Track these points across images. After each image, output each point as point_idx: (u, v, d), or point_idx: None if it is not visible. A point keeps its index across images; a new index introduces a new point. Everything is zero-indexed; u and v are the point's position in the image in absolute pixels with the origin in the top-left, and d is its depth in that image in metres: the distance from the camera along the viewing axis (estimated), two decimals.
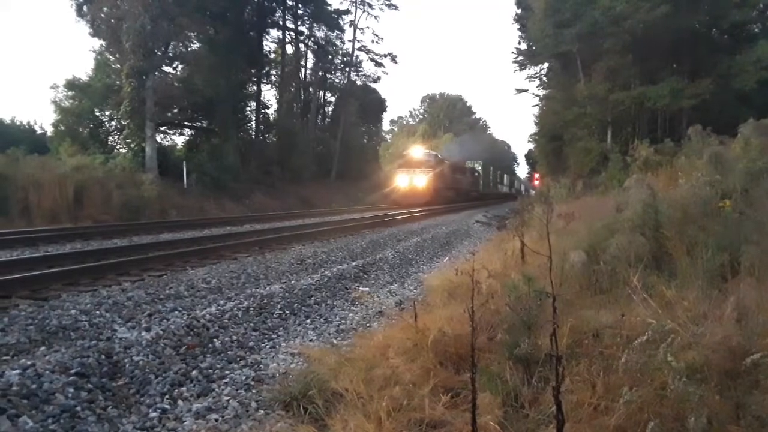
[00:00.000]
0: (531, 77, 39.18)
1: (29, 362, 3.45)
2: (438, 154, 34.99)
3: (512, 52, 38.66)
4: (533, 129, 47.32)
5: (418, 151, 32.48)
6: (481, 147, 65.31)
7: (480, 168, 49.46)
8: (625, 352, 2.85)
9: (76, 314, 4.60)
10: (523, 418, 2.73)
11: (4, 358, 3.61)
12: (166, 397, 3.49)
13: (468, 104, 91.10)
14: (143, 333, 4.28)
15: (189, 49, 27.16)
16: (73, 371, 3.42)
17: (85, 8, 22.68)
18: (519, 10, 38.01)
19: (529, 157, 68.74)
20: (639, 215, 5.37)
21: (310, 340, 4.92)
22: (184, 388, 3.63)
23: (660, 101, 23.90)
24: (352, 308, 6.18)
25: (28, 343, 3.90)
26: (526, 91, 44.01)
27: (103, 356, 3.70)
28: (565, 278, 4.59)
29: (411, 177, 29.99)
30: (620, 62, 25.92)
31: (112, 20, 22.44)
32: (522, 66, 37.16)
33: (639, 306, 3.54)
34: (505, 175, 71.53)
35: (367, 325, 5.41)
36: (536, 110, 41.23)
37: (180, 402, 3.44)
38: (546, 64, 36.11)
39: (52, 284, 5.69)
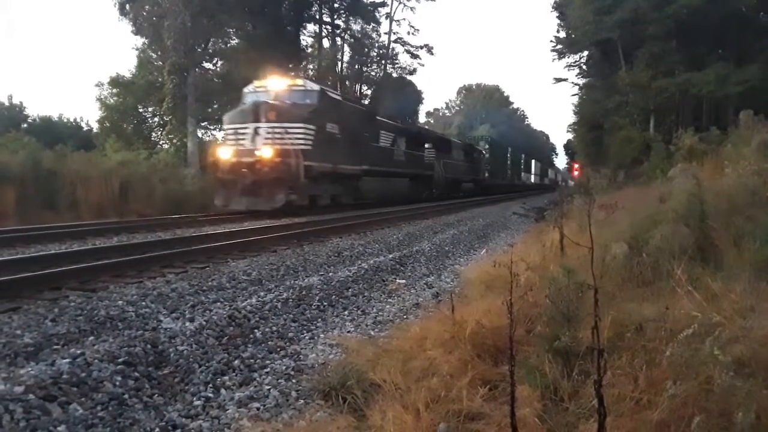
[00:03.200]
0: (570, 66, 38.23)
1: (79, 351, 3.57)
2: (338, 94, 17.66)
3: (551, 41, 37.85)
4: (572, 119, 46.20)
5: (275, 81, 15.21)
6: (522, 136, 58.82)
7: (486, 146, 38.51)
8: (669, 346, 2.79)
9: (123, 305, 4.74)
10: (563, 411, 2.70)
11: (55, 347, 3.75)
12: (210, 385, 3.57)
13: (505, 94, 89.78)
14: (187, 323, 4.39)
15: (228, 45, 27.63)
16: (120, 360, 3.53)
17: (127, 7, 23.29)
18: None
19: (568, 147, 66.87)
20: (683, 206, 5.23)
21: (348, 332, 4.96)
22: (226, 377, 3.72)
23: (705, 88, 23.10)
24: (389, 300, 6.20)
25: (77, 333, 4.04)
26: (565, 80, 42.02)
27: (149, 346, 3.82)
28: (606, 270, 4.51)
29: (245, 141, 13.65)
30: (663, 48, 25.15)
31: (154, 18, 22.98)
32: (561, 55, 36.36)
33: (683, 299, 3.45)
34: (533, 161, 59.38)
35: (404, 317, 5.42)
36: (575, 99, 40.36)
37: (223, 390, 3.53)
38: (586, 52, 35.22)
39: (100, 276, 5.87)
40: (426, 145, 25.35)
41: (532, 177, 56.71)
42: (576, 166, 43.47)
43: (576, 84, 38.74)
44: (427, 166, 24.83)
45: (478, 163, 35.24)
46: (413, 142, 23.13)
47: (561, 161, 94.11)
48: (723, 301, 3.31)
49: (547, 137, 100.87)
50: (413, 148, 23.03)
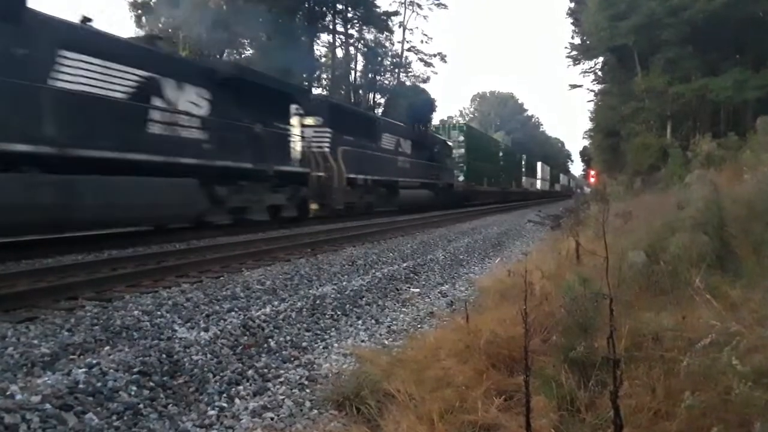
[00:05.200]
0: (585, 72, 38.22)
1: (95, 361, 3.59)
2: None
3: (565, 47, 37.80)
4: (588, 126, 45.92)
5: None
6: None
7: (461, 139, 29.01)
8: (687, 356, 2.75)
9: (139, 315, 4.77)
10: (580, 422, 2.66)
11: (71, 357, 3.78)
12: (224, 395, 3.58)
13: (519, 101, 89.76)
14: (202, 333, 4.40)
15: (243, 55, 27.93)
16: (135, 370, 3.55)
17: (143, 19, 23.64)
18: (572, 4, 37.34)
19: (584, 154, 66.31)
20: (701, 213, 5.16)
21: (362, 341, 4.94)
22: (240, 387, 3.72)
23: (722, 93, 22.84)
24: (403, 309, 6.18)
25: (93, 343, 4.06)
26: (580, 86, 41.85)
27: (164, 355, 3.83)
28: (623, 279, 4.45)
29: None
30: (679, 54, 24.95)
31: (170, 30, 23.28)
32: (576, 61, 36.39)
33: (702, 307, 3.40)
34: (539, 164, 51.23)
35: (418, 326, 5.40)
36: (591, 106, 40.24)
37: (237, 400, 3.53)
38: (601, 58, 35.14)
39: (115, 286, 5.92)
40: (308, 120, 15.06)
41: (538, 183, 46.18)
42: (592, 172, 43.09)
43: (591, 90, 38.67)
44: (296, 161, 13.91)
45: (440, 161, 24.73)
46: (252, 106, 11.71)
47: (577, 168, 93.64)
48: (742, 310, 3.26)
49: (563, 144, 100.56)
50: (251, 117, 11.74)
